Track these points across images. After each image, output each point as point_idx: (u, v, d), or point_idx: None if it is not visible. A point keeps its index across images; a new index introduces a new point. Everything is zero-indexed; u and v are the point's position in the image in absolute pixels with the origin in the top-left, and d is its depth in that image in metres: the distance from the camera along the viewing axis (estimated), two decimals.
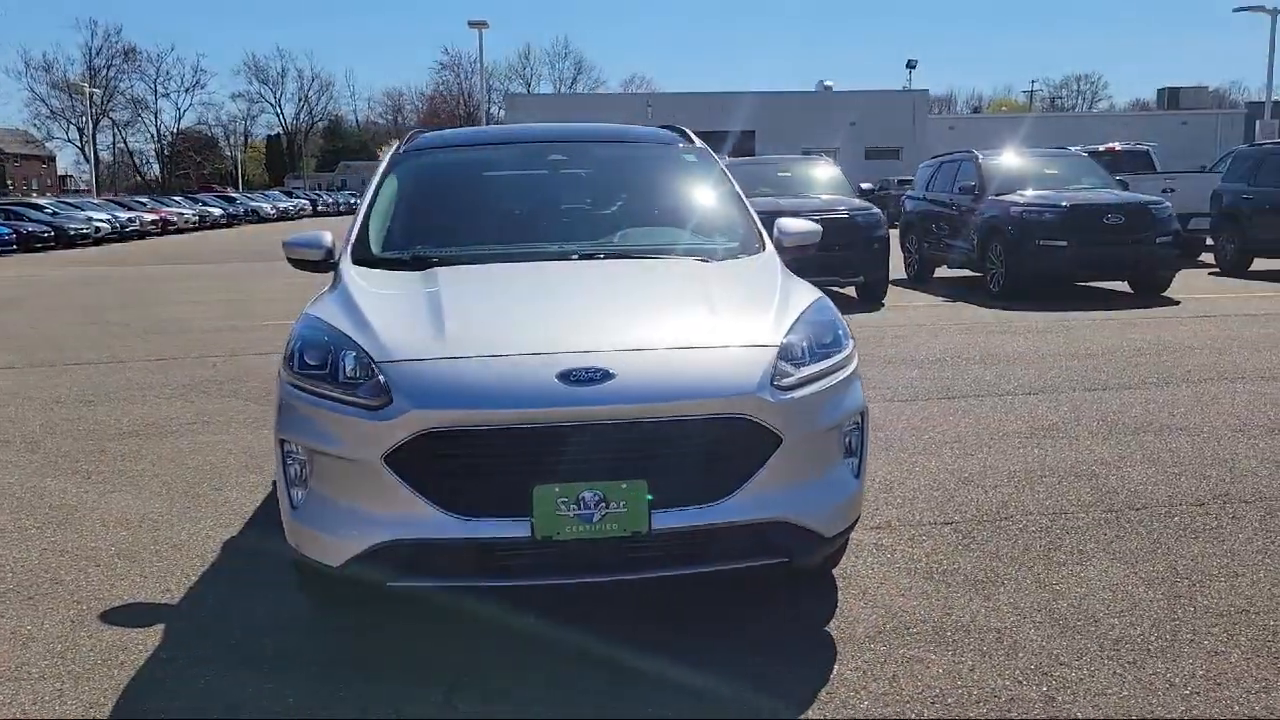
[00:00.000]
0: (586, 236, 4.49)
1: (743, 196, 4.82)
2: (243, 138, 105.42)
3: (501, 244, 4.37)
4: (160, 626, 3.72)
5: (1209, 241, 17.65)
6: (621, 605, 3.76)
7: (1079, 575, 4.03)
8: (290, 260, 4.53)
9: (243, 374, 8.89)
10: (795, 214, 5.51)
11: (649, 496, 3.10)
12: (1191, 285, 14.08)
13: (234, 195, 62.95)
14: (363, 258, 4.27)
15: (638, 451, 3.13)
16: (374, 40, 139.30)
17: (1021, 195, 13.45)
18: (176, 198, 55.99)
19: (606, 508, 3.08)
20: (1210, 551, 4.26)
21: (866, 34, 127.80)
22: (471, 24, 40.68)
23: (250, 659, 3.44)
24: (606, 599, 3.75)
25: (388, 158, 4.92)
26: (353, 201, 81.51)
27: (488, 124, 62.15)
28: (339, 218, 69.01)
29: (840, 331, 3.64)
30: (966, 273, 15.00)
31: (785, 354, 3.38)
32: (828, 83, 59.40)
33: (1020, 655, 3.37)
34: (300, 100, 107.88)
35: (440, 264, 4.10)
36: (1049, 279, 13.07)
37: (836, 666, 3.32)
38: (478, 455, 3.12)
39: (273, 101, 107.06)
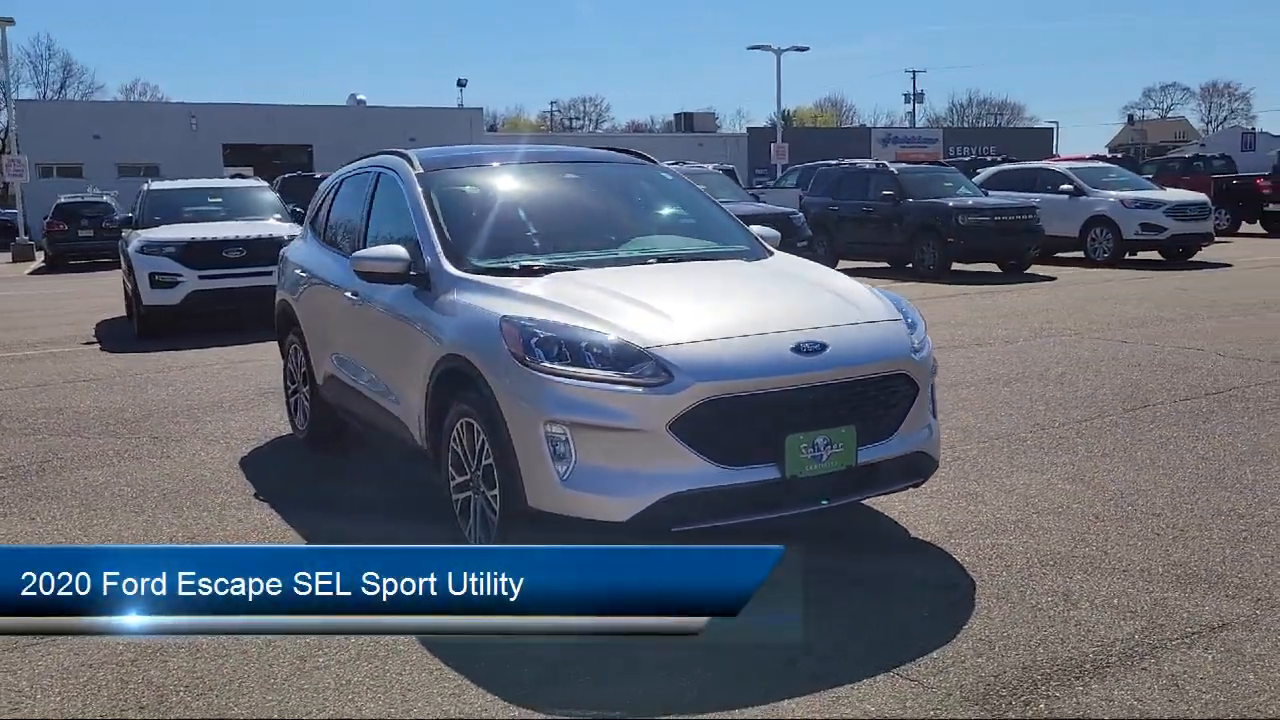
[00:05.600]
0: (633, 243, 5.16)
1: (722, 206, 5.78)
2: None
3: (582, 252, 4.90)
4: None
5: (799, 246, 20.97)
6: None
7: (1021, 484, 5.50)
8: (361, 273, 4.86)
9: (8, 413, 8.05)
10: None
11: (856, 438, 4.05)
12: None
13: None
14: (467, 268, 4.65)
15: (845, 403, 4.07)
16: None
17: None
18: None
19: (832, 449, 3.98)
20: (1073, 459, 5.95)
21: (395, 51, 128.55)
22: None
23: None
24: None
25: (413, 178, 5.15)
26: None
27: None
28: None
29: (907, 307, 4.77)
30: None
31: None
32: (360, 96, 59.41)
33: (1051, 533, 4.73)
34: None
35: (547, 270, 4.61)
36: None
37: (954, 556, 4.47)
38: (739, 415, 3.87)
39: None
